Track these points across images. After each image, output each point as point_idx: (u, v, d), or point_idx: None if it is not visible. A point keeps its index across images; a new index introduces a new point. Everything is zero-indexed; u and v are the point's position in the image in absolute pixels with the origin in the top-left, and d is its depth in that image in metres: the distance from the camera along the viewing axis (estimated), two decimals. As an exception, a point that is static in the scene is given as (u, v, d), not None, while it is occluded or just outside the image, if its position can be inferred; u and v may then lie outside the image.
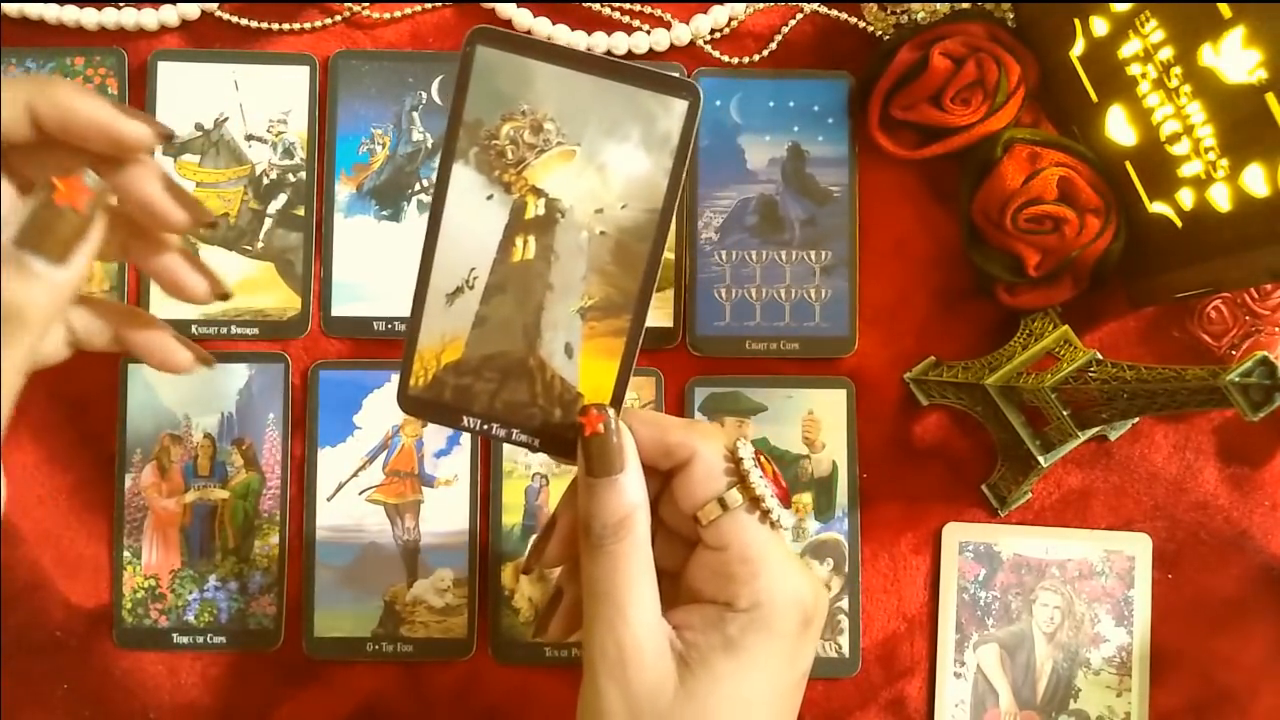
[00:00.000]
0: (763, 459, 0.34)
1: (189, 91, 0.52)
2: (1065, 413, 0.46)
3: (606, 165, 0.34)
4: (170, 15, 0.52)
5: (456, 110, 0.34)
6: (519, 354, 0.35)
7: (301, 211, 0.52)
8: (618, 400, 0.35)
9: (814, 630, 0.34)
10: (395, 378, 0.51)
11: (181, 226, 0.34)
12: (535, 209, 0.34)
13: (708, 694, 0.32)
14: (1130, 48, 0.45)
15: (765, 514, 0.34)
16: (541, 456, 0.51)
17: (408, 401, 0.36)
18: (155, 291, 0.51)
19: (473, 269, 0.35)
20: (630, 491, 0.33)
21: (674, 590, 0.35)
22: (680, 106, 0.33)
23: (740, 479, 0.34)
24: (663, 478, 0.35)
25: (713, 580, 0.34)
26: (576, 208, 0.34)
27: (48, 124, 0.31)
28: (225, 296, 0.37)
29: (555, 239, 0.34)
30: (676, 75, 0.33)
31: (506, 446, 0.51)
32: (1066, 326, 0.50)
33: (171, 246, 0.35)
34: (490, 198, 0.34)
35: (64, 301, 0.29)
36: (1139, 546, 0.52)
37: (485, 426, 0.36)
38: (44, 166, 0.33)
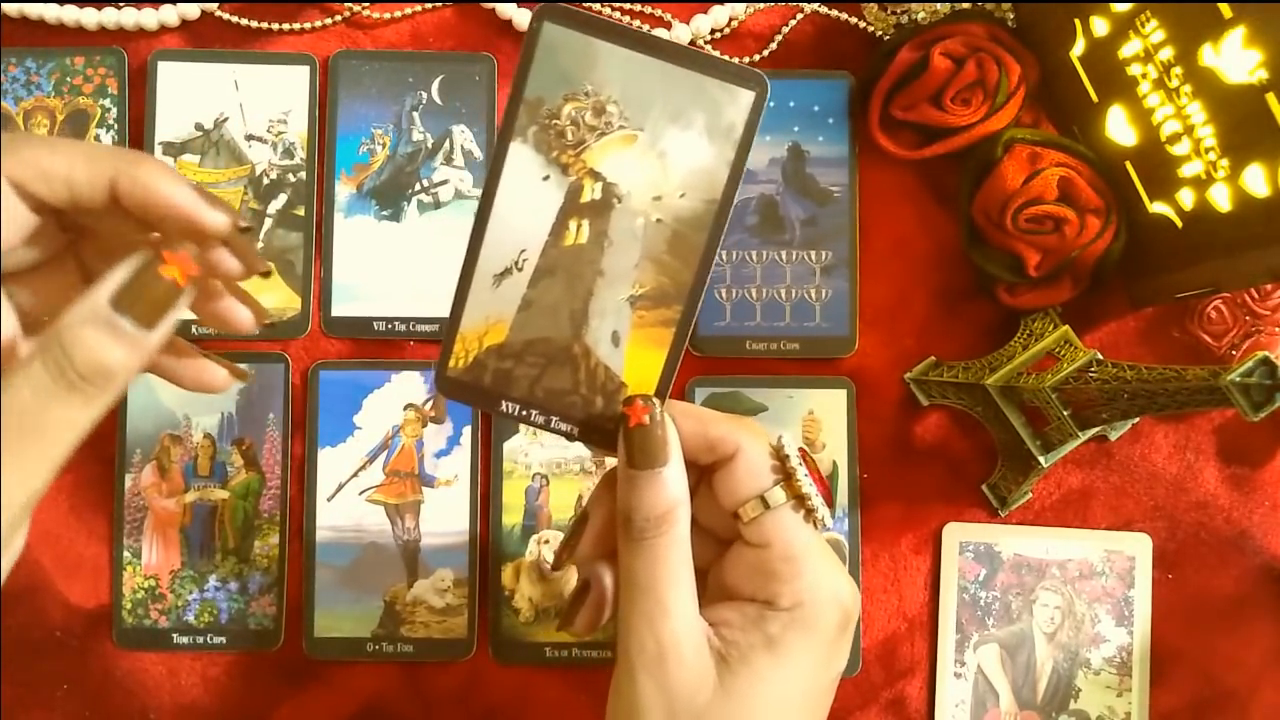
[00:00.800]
0: (807, 457, 0.34)
1: (189, 91, 0.52)
2: (1065, 413, 0.46)
3: (668, 152, 0.33)
4: (170, 15, 0.52)
5: (518, 87, 0.33)
6: (564, 340, 0.34)
7: (301, 211, 0.52)
8: (663, 392, 0.34)
9: (850, 631, 0.34)
10: (396, 378, 0.51)
11: (240, 278, 0.34)
12: (592, 192, 0.33)
13: (748, 692, 0.32)
14: (1130, 48, 0.45)
15: (810, 513, 0.33)
16: (543, 455, 0.51)
17: (446, 383, 0.35)
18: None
19: (523, 250, 0.34)
20: (673, 485, 0.33)
21: (702, 588, 0.35)
22: (747, 97, 0.33)
23: (786, 477, 0.33)
24: (698, 473, 0.35)
25: (752, 578, 0.33)
26: (634, 194, 0.33)
27: (126, 200, 0.30)
28: (272, 324, 0.36)
29: (610, 224, 0.34)
30: (745, 65, 0.32)
31: (507, 445, 0.51)
32: (1066, 326, 0.50)
33: (221, 290, 0.35)
34: (546, 178, 0.33)
35: (144, 364, 0.29)
36: (1139, 546, 0.52)
37: (524, 412, 0.35)
38: (101, 223, 0.33)
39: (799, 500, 0.33)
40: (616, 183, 0.33)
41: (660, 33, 0.52)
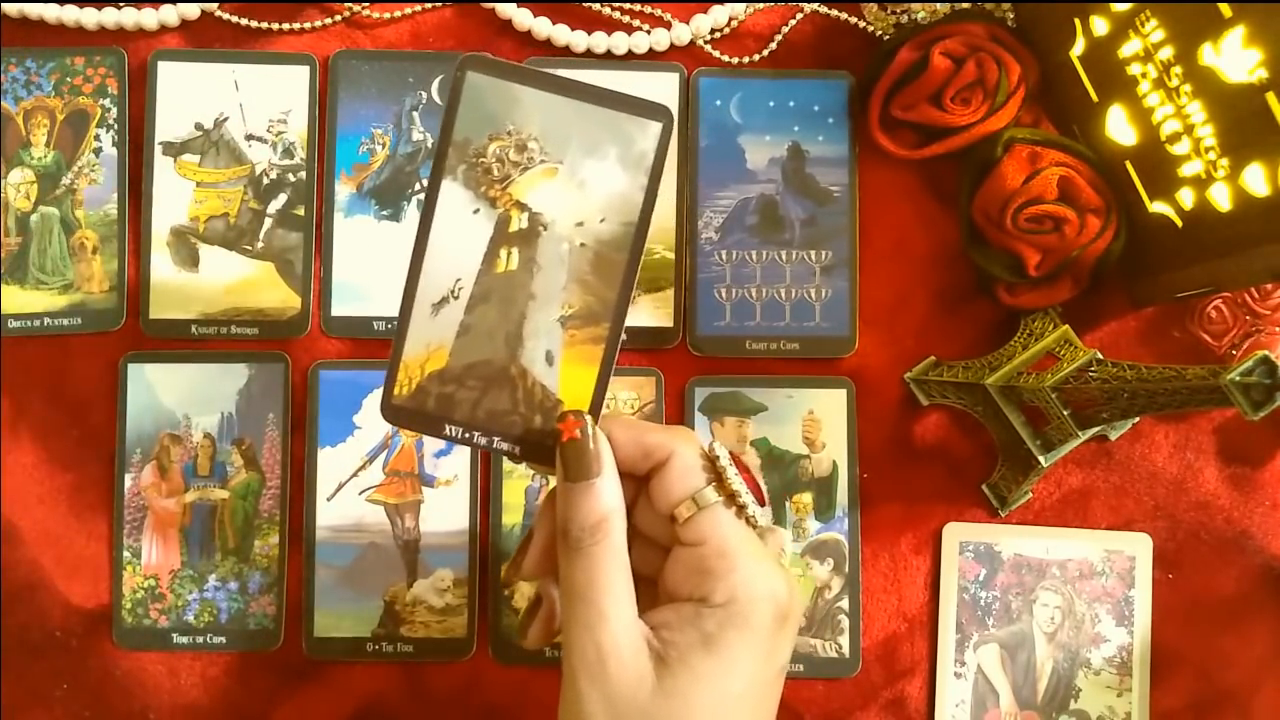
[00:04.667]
0: (737, 459, 0.35)
1: (189, 91, 0.52)
2: (1065, 412, 0.46)
3: (586, 182, 0.35)
4: (170, 15, 0.52)
5: (446, 130, 0.35)
6: (501, 362, 0.36)
7: (301, 211, 0.52)
8: (596, 407, 0.36)
9: (790, 626, 0.34)
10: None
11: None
12: (519, 222, 0.36)
13: (687, 690, 0.32)
14: (1130, 47, 0.45)
15: (741, 509, 0.35)
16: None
17: (391, 411, 0.36)
18: (156, 293, 0.51)
19: (458, 280, 0.36)
20: (606, 495, 0.34)
21: (650, 596, 0.36)
22: (655, 128, 0.35)
23: (717, 476, 0.35)
24: (637, 485, 0.36)
25: (689, 577, 0.34)
26: (558, 221, 0.36)
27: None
28: None
29: (538, 250, 0.36)
30: (650, 99, 0.35)
31: (506, 446, 0.51)
32: (1066, 326, 0.50)
33: None
34: (476, 212, 0.36)
35: None
36: (1139, 546, 0.52)
37: (467, 435, 0.36)
38: None
39: (730, 498, 0.34)
40: (541, 212, 0.36)
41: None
